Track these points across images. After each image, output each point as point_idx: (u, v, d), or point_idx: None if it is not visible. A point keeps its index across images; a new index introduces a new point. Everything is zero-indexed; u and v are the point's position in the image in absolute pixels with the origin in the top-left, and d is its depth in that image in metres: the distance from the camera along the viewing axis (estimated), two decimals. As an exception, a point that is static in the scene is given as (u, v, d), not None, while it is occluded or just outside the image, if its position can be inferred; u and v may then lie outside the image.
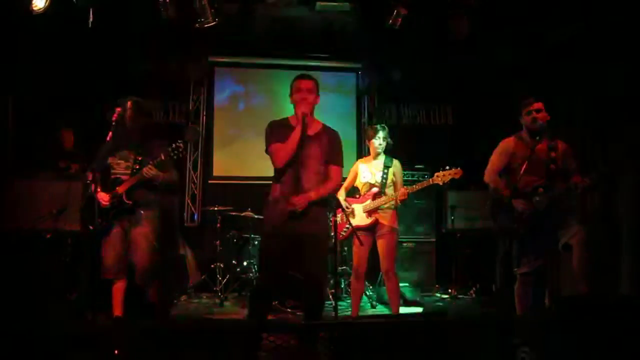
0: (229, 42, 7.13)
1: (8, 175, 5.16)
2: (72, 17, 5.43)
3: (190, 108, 7.36)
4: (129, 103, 4.17)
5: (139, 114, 4.20)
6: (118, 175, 4.17)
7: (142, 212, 4.15)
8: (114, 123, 4.00)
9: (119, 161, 4.21)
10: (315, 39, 6.94)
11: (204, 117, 7.46)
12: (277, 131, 3.67)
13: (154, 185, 4.15)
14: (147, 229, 4.16)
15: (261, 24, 6.58)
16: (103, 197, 4.09)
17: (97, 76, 6.36)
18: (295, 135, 3.52)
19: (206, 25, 5.74)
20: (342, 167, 3.78)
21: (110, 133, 3.94)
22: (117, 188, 4.09)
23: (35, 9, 5.12)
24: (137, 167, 4.08)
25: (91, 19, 5.19)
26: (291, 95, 3.70)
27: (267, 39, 6.95)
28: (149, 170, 4.01)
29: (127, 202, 4.06)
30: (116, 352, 2.48)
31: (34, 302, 3.15)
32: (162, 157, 4.03)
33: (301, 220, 3.54)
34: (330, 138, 3.72)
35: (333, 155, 3.72)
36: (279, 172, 3.64)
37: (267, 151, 3.70)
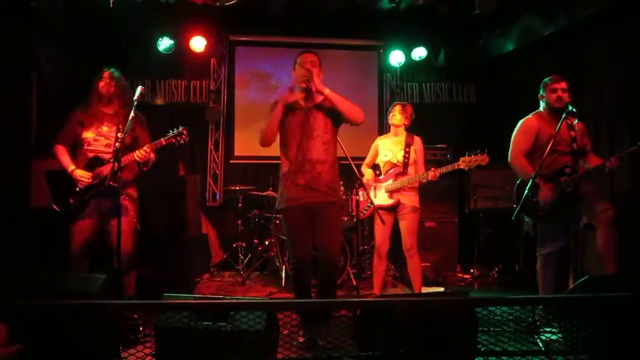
0: (250, 21, 7.08)
1: (33, 153, 5.22)
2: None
3: (212, 88, 7.37)
4: (105, 73, 3.94)
5: (116, 85, 3.94)
6: (98, 154, 3.88)
7: (124, 195, 3.85)
8: (94, 94, 3.91)
9: (97, 137, 3.91)
10: (337, 16, 6.85)
11: (225, 97, 7.46)
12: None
13: (139, 167, 3.93)
14: (130, 212, 3.91)
15: (281, 1, 6.50)
16: (84, 176, 3.80)
17: (118, 56, 6.37)
18: (277, 112, 3.62)
19: (226, 4, 5.70)
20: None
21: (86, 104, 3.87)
22: (99, 168, 3.81)
23: None
24: (119, 145, 3.72)
25: (112, -1, 5.18)
26: (294, 70, 3.79)
27: (287, 17, 6.88)
28: (145, 155, 3.77)
29: (112, 184, 3.64)
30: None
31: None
32: (163, 142, 3.79)
33: (317, 191, 3.59)
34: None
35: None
36: (285, 148, 3.70)
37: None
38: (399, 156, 4.58)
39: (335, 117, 3.69)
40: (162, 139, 3.81)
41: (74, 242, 3.80)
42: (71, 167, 3.85)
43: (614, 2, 4.83)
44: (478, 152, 4.32)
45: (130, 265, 3.94)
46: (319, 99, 3.69)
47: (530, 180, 3.72)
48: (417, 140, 4.66)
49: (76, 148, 3.95)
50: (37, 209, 4.90)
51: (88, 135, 3.91)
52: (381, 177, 4.67)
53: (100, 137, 3.92)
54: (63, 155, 3.91)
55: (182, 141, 3.81)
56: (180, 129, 3.80)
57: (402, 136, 4.64)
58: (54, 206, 3.84)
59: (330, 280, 3.74)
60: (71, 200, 3.81)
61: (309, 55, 3.76)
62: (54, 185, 3.88)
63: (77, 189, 3.84)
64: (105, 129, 3.93)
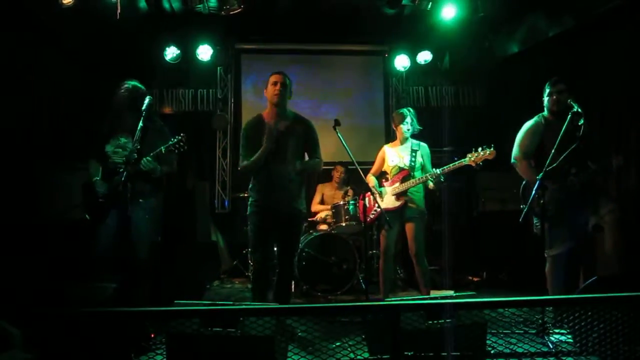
0: (255, 29, 7.14)
1: (44, 167, 5.28)
2: (101, 8, 5.49)
3: (219, 96, 7.42)
4: (122, 87, 4.05)
5: (132, 97, 4.02)
6: (117, 165, 3.99)
7: (141, 201, 3.96)
8: (114, 108, 4.02)
9: (116, 150, 4.04)
10: (342, 22, 6.88)
11: (232, 105, 7.51)
12: (251, 137, 3.98)
13: (152, 176, 3.99)
14: (146, 220, 3.98)
15: (286, 8, 6.54)
16: (102, 187, 3.97)
17: (126, 66, 6.45)
18: (262, 153, 3.85)
19: (232, 12, 5.75)
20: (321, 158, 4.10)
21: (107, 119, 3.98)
22: (115, 178, 3.91)
23: (64, 2, 5.21)
24: (135, 156, 3.80)
25: (119, 10, 5.24)
26: (266, 89, 4.00)
27: (292, 24, 6.92)
28: (147, 163, 3.87)
29: (126, 193, 3.72)
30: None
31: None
32: (162, 151, 3.88)
33: (287, 203, 3.91)
34: (305, 129, 4.01)
35: (313, 149, 4.03)
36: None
37: (239, 163, 4.06)
38: (406, 160, 4.59)
39: (306, 143, 4.02)
40: (161, 147, 3.90)
41: (95, 247, 3.91)
42: (94, 177, 4.02)
43: (620, 1, 4.81)
44: (485, 147, 4.31)
45: (143, 274, 4.00)
46: (290, 120, 3.98)
47: (537, 182, 3.72)
48: (424, 146, 4.67)
49: (105, 161, 4.08)
50: (50, 219, 4.96)
51: (108, 148, 4.05)
52: (388, 181, 4.67)
53: (118, 149, 4.04)
54: (92, 167, 4.08)
55: (181, 148, 3.90)
56: (180, 137, 3.89)
57: (409, 143, 4.66)
58: (86, 215, 4.01)
59: (287, 286, 4.15)
60: (96, 208, 3.95)
61: (277, 76, 3.97)
62: (86, 195, 4.04)
63: (100, 198, 3.97)
64: (123, 140, 4.05)
